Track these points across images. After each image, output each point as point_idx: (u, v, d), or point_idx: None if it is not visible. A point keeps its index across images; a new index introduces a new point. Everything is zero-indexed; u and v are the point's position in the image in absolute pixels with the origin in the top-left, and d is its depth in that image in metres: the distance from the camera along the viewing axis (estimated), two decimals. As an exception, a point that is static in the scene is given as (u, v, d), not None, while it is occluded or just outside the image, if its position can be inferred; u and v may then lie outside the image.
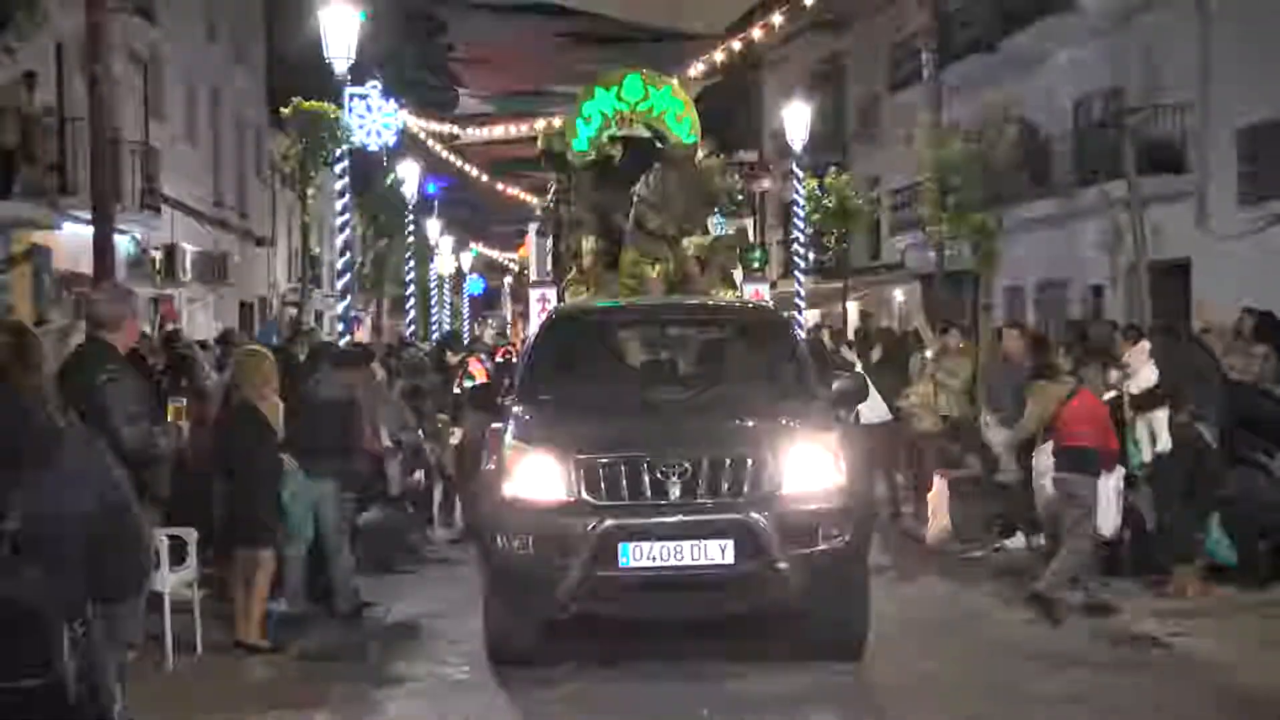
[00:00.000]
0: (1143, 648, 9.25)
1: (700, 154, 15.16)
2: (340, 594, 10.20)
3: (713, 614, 8.61)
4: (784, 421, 8.59)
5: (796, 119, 23.55)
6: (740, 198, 15.75)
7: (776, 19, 22.33)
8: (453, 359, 16.86)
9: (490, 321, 30.82)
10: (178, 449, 8.76)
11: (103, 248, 16.19)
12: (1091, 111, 26.28)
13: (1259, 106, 21.08)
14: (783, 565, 7.67)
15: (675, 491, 7.84)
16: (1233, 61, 22.02)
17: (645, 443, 8.12)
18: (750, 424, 8.66)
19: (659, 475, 7.86)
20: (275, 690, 8.43)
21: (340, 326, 17.73)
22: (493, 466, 8.64)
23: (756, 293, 15.76)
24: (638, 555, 7.70)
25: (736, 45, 22.37)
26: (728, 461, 7.95)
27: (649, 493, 7.85)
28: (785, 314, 15.39)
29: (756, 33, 22.83)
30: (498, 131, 30.40)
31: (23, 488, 3.81)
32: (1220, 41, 22.49)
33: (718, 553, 7.71)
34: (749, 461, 7.97)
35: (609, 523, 7.70)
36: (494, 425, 9.32)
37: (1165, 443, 10.68)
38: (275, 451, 9.51)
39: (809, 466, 8.13)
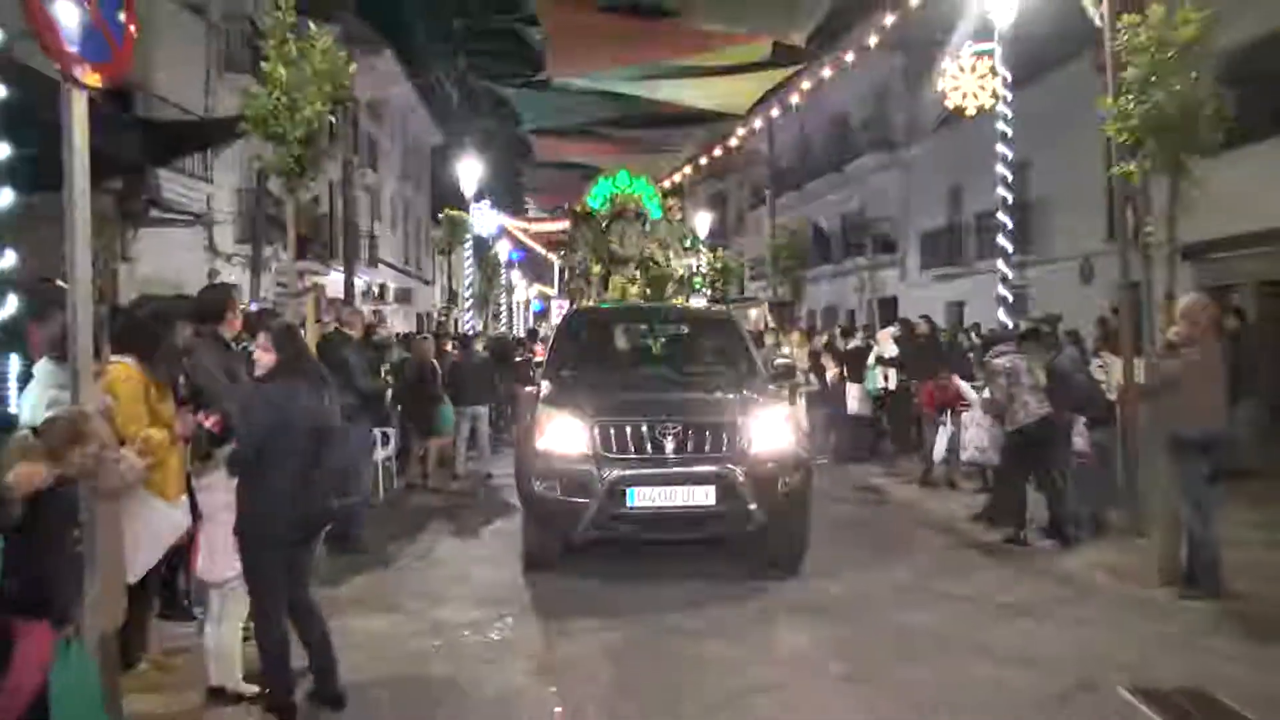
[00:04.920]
0: (874, 494, 9.32)
1: (676, 216, 13.64)
2: (480, 465, 10.10)
3: (696, 539, 6.17)
4: (748, 395, 6.32)
5: (702, 222, 23.36)
6: (689, 245, 14.43)
7: (688, 169, 22.42)
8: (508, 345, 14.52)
9: (544, 325, 30.77)
10: (389, 389, 8.71)
11: (348, 285, 16.14)
12: (850, 220, 26.32)
13: (929, 221, 21.24)
14: (752, 505, 5.73)
15: (670, 448, 5.80)
16: (919, 197, 22.12)
17: (646, 410, 5.98)
18: (724, 396, 6.34)
19: (657, 435, 5.83)
20: (435, 512, 8.33)
21: (468, 327, 17.64)
22: (529, 424, 6.33)
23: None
24: (641, 498, 5.71)
25: (667, 184, 22.34)
26: (710, 425, 5.88)
27: (649, 449, 5.81)
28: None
29: (677, 177, 22.79)
30: (548, 226, 30.27)
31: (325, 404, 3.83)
32: (913, 188, 22.58)
33: (703, 496, 5.72)
34: (725, 425, 5.89)
35: (618, 472, 5.71)
36: (528, 390, 7.05)
37: (893, 383, 10.57)
38: (437, 389, 9.39)
39: (770, 430, 5.98)
